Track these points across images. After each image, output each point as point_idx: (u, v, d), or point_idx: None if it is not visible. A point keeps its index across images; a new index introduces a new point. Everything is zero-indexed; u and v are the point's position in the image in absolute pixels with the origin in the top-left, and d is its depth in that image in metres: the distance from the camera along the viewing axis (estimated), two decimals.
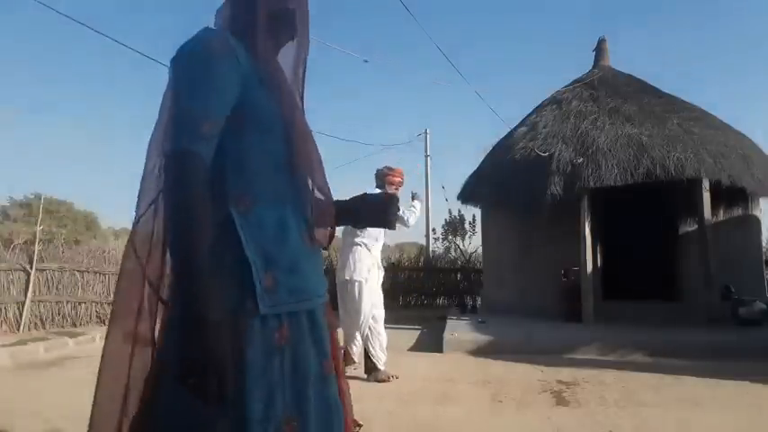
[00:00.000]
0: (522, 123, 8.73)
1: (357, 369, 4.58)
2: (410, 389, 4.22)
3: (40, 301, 7.95)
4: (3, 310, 7.57)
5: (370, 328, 4.43)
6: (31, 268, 7.81)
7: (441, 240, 14.56)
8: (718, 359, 5.03)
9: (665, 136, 7.31)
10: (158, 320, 1.10)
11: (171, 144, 0.98)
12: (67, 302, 8.28)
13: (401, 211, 4.36)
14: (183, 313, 0.95)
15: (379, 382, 4.36)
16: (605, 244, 8.19)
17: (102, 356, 1.11)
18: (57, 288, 8.21)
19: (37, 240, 8.09)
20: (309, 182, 1.15)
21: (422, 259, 12.91)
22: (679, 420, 3.34)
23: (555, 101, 8.71)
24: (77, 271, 8.46)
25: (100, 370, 1.12)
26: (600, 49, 9.48)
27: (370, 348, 4.44)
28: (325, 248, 1.19)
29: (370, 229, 4.33)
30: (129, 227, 1.15)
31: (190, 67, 1.03)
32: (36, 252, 7.94)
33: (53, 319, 8.09)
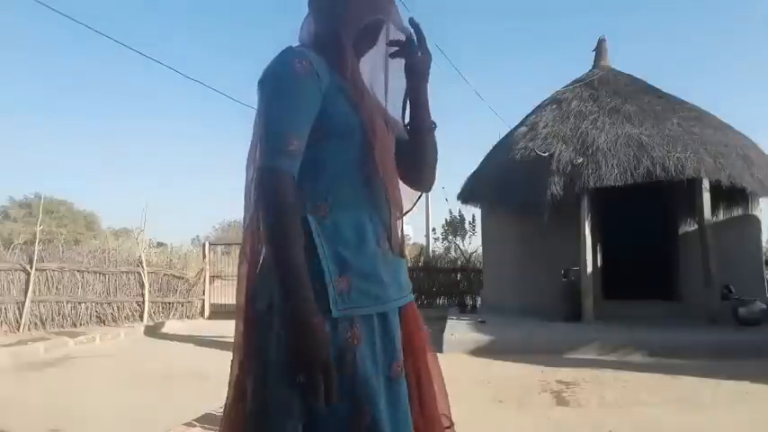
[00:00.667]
0: (522, 123, 8.73)
1: None
2: None
3: (40, 301, 7.96)
4: (3, 310, 7.57)
5: None
6: (31, 268, 7.81)
7: (441, 240, 14.55)
8: (718, 359, 5.03)
9: (665, 136, 7.31)
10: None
11: (261, 160, 1.07)
12: (67, 302, 8.28)
13: None
14: (288, 316, 1.01)
15: None
16: (605, 244, 8.18)
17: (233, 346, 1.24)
18: (57, 288, 8.21)
19: (37, 240, 8.10)
20: (390, 188, 1.17)
21: (422, 259, 12.90)
22: (679, 420, 3.34)
23: (555, 101, 8.71)
24: (77, 271, 8.47)
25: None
26: (600, 49, 9.47)
27: None
28: (402, 255, 1.18)
29: None
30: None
31: (274, 87, 1.10)
32: (36, 252, 7.95)
33: (53, 319, 8.09)
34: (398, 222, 1.19)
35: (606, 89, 8.57)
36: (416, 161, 1.31)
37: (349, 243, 1.10)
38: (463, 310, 8.92)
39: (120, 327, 8.43)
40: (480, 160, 9.18)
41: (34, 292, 7.85)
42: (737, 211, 8.18)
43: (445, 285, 11.69)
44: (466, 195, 9.09)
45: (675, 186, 7.24)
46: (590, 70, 9.33)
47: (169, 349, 6.88)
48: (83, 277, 8.51)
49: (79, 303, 8.42)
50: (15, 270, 7.74)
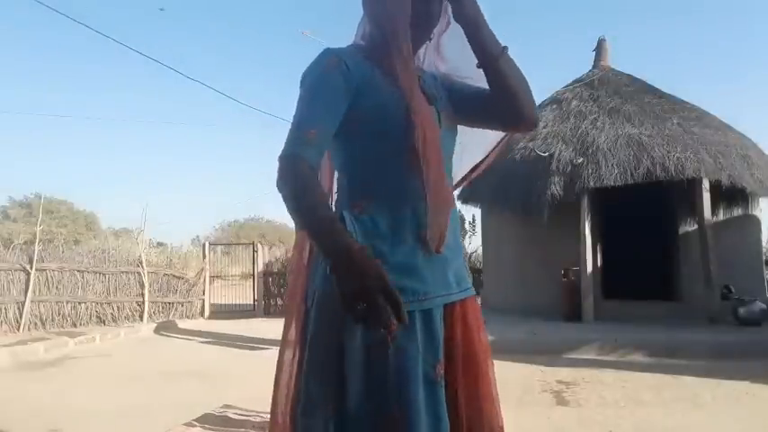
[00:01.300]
0: None
1: None
2: None
3: (40, 301, 7.95)
4: (3, 310, 7.57)
5: None
6: (31, 268, 7.81)
7: None
8: (718, 359, 5.03)
9: (665, 136, 7.31)
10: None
11: (283, 149, 1.10)
12: (67, 302, 8.28)
13: None
14: (329, 260, 0.99)
15: None
16: (605, 244, 8.18)
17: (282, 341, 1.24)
18: (57, 288, 8.21)
19: (37, 240, 8.10)
20: (431, 182, 1.12)
21: None
22: (679, 420, 3.34)
23: (555, 101, 8.71)
24: (77, 271, 8.47)
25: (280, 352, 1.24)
26: (600, 49, 9.48)
27: None
28: (437, 251, 1.11)
29: None
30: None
31: (304, 84, 1.16)
32: (36, 252, 7.95)
33: (53, 319, 8.09)
34: (445, 217, 1.12)
35: (606, 89, 8.58)
36: (504, 94, 1.22)
37: (386, 238, 1.08)
38: None
39: (120, 327, 8.43)
40: None
41: (34, 292, 7.85)
42: (737, 211, 8.18)
43: None
44: (466, 195, 9.09)
45: (675, 186, 7.24)
46: (590, 70, 9.34)
47: (170, 348, 6.88)
48: (83, 277, 8.51)
49: (79, 303, 8.42)
50: (15, 270, 7.74)
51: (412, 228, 1.10)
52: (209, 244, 11.43)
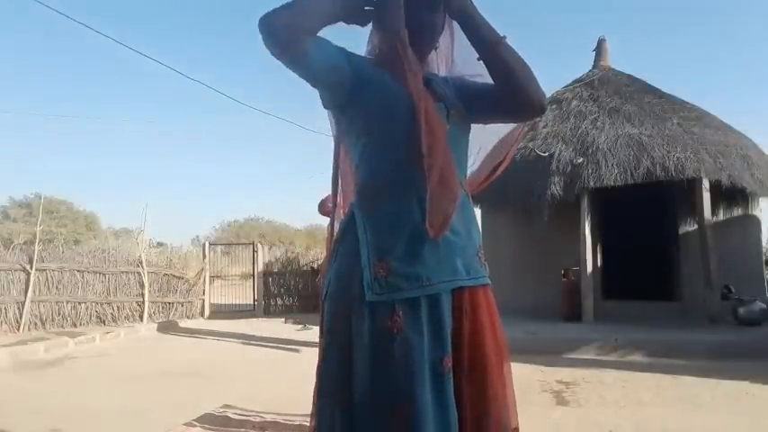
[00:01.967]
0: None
1: None
2: None
3: (40, 301, 7.95)
4: (3, 310, 7.57)
5: None
6: (31, 268, 7.81)
7: None
8: (718, 359, 5.03)
9: (665, 136, 7.31)
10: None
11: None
12: (67, 302, 8.28)
13: None
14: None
15: None
16: (605, 244, 8.18)
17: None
18: (57, 288, 8.21)
19: (37, 240, 8.09)
20: (434, 169, 1.11)
21: None
22: (679, 420, 3.34)
23: (555, 101, 8.70)
24: (77, 271, 8.47)
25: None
26: (600, 49, 9.48)
27: None
28: (437, 236, 1.11)
29: None
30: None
31: None
32: (36, 252, 7.95)
33: (53, 319, 8.09)
34: (451, 205, 1.12)
35: (606, 89, 8.58)
36: (506, 81, 1.22)
37: (393, 231, 1.11)
38: None
39: (120, 327, 8.42)
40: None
41: (34, 292, 7.85)
42: (737, 211, 8.18)
43: None
44: None
45: (675, 186, 7.24)
46: (590, 70, 9.34)
47: (170, 348, 6.88)
48: (83, 277, 8.51)
49: (79, 303, 8.42)
50: (15, 270, 7.74)
51: (418, 219, 1.11)
52: (209, 244, 11.43)
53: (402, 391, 1.02)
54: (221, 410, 3.53)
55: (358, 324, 1.06)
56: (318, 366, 1.16)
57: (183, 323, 9.31)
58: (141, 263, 9.25)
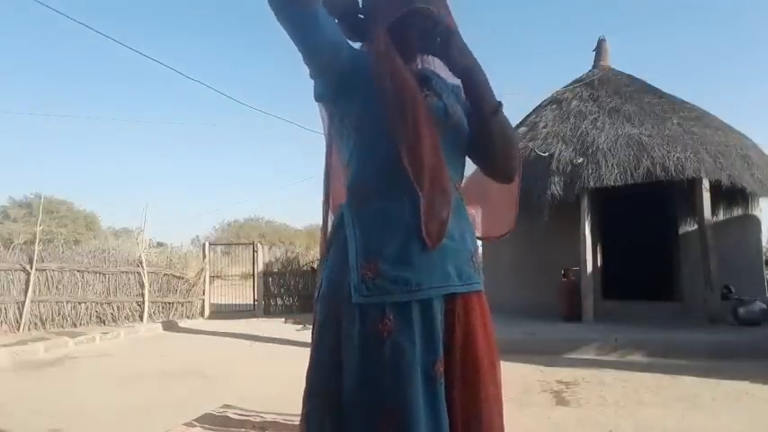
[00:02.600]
0: (521, 123, 8.73)
1: None
2: None
3: (40, 301, 7.96)
4: (3, 310, 7.57)
5: None
6: (31, 268, 7.81)
7: None
8: (718, 359, 5.03)
9: (665, 136, 7.31)
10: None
11: None
12: (67, 302, 8.28)
13: None
14: None
15: None
16: (605, 244, 8.18)
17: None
18: (57, 288, 8.21)
19: (37, 240, 8.09)
20: (427, 176, 1.08)
21: None
22: (679, 420, 3.34)
23: (555, 101, 8.71)
24: (77, 271, 8.47)
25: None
26: (600, 49, 9.47)
27: None
28: (434, 246, 1.08)
29: None
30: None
31: None
32: (36, 252, 7.95)
33: (53, 319, 8.10)
34: (445, 208, 1.09)
35: (606, 89, 8.57)
36: (486, 152, 1.23)
37: (383, 231, 1.09)
38: None
39: (120, 327, 8.43)
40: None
41: (34, 292, 7.85)
42: (737, 211, 8.18)
43: None
44: None
45: (675, 186, 7.24)
46: (590, 70, 9.34)
47: (170, 348, 6.87)
48: (83, 277, 8.51)
49: (79, 303, 8.42)
50: (15, 270, 7.74)
51: (410, 220, 1.08)
52: (209, 244, 11.44)
53: (392, 395, 1.01)
54: (221, 410, 3.53)
55: (348, 326, 1.05)
56: (308, 368, 1.13)
57: (183, 323, 9.31)
58: (141, 263, 9.25)
